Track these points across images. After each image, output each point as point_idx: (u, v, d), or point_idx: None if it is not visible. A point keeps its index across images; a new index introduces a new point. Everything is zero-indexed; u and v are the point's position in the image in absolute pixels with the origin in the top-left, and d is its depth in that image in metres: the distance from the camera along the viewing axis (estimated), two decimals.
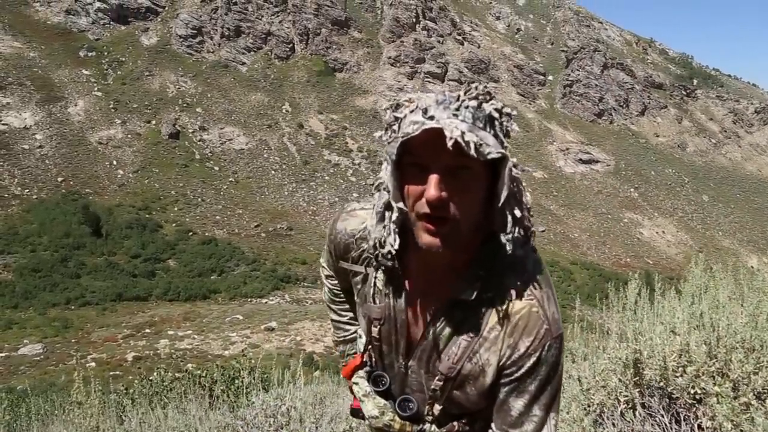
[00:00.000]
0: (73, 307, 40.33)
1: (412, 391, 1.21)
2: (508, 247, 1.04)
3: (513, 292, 1.09)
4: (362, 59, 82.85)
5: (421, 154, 1.00)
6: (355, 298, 1.31)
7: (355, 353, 1.42)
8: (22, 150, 56.71)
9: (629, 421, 2.40)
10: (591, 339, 3.11)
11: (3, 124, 57.77)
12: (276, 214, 59.61)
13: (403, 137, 1.00)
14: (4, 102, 59.52)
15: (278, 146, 68.68)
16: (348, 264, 1.29)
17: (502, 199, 1.02)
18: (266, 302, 43.93)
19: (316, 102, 75.95)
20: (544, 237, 64.38)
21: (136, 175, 59.25)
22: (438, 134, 0.96)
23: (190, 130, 66.58)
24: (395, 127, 1.05)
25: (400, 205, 1.05)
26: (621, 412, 2.45)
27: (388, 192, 1.06)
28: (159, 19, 76.71)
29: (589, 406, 2.56)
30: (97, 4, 73.25)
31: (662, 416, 2.32)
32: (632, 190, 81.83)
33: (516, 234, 1.05)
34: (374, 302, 1.21)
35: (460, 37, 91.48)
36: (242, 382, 4.32)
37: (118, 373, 24.28)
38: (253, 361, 4.81)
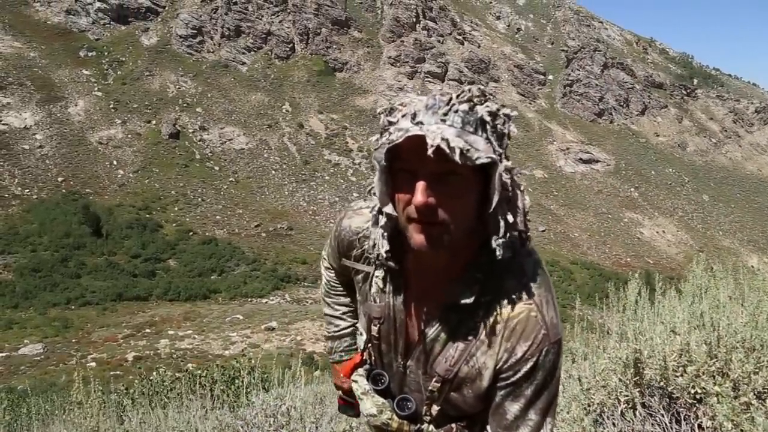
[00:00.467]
0: (73, 307, 40.34)
1: (411, 390, 1.21)
2: (498, 252, 1.04)
3: (511, 296, 1.08)
4: (362, 59, 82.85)
5: (408, 160, 1.01)
6: (357, 296, 1.32)
7: (349, 350, 1.44)
8: (22, 150, 56.73)
9: (629, 421, 2.40)
10: (591, 339, 3.11)
11: (3, 124, 57.79)
12: (276, 213, 59.63)
13: (388, 144, 1.00)
14: (5, 102, 59.54)
15: (278, 146, 68.69)
16: (350, 262, 1.30)
17: (493, 204, 1.01)
18: (266, 302, 43.94)
19: (316, 102, 75.96)
20: (544, 237, 64.41)
21: (136, 175, 59.26)
22: (422, 141, 0.96)
23: (191, 130, 66.59)
24: (390, 130, 1.04)
25: (389, 209, 1.06)
26: (621, 411, 2.45)
27: (377, 197, 1.08)
28: (159, 19, 76.71)
29: (589, 406, 2.56)
30: (98, 4, 73.26)
31: (662, 416, 2.32)
32: (632, 189, 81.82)
33: (509, 238, 1.04)
34: (375, 301, 1.22)
35: (460, 37, 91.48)
36: (242, 381, 4.32)
37: (118, 373, 24.29)
38: (253, 361, 4.82)
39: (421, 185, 0.99)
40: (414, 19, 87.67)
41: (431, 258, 1.07)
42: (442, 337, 1.12)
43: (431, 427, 1.19)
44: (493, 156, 0.99)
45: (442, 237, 1.02)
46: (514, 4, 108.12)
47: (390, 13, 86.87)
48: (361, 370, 1.27)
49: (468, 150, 0.96)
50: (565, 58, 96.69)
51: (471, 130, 0.99)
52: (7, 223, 48.91)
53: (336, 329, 1.50)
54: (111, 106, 64.88)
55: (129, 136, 63.06)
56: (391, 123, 1.05)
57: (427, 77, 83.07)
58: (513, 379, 1.08)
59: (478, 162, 0.97)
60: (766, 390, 2.18)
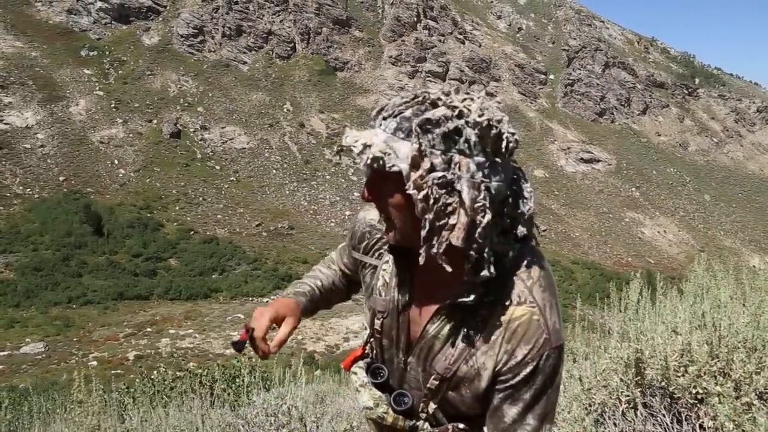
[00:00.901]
0: (74, 306, 40.40)
1: (410, 387, 1.20)
2: (420, 260, 1.05)
3: (515, 298, 1.07)
4: (363, 58, 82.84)
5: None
6: (363, 291, 1.35)
7: (297, 294, 1.42)
8: (24, 149, 56.80)
9: (630, 421, 2.40)
10: (592, 338, 3.11)
11: (5, 124, 57.86)
12: (277, 213, 59.65)
13: (338, 148, 1.09)
14: (6, 101, 59.61)
15: (279, 145, 68.72)
16: (360, 255, 1.32)
17: (417, 211, 1.02)
18: (267, 301, 43.67)
19: (317, 101, 75.97)
20: (545, 236, 64.35)
21: (137, 174, 59.31)
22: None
23: (192, 130, 66.64)
24: None
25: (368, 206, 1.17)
26: (622, 411, 2.45)
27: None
28: (160, 19, 76.75)
29: (590, 406, 2.56)
30: (99, 4, 73.31)
31: (664, 416, 2.32)
32: (634, 189, 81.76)
33: (435, 249, 1.03)
34: (380, 294, 1.23)
35: (461, 36, 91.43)
36: (243, 381, 4.33)
37: (119, 372, 24.32)
38: (253, 360, 4.82)
39: (366, 182, 1.09)
40: (415, 19, 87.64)
41: (429, 257, 1.07)
42: (443, 335, 1.12)
43: (426, 424, 1.19)
44: (401, 166, 1.00)
45: (391, 232, 1.10)
46: (515, 4, 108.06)
47: (391, 13, 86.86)
48: (361, 363, 1.27)
49: (383, 157, 1.00)
50: (566, 57, 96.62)
51: (402, 136, 1.01)
52: (8, 222, 48.98)
53: (304, 282, 1.49)
54: (112, 105, 64.94)
55: (130, 135, 63.12)
56: None
57: (428, 77, 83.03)
58: (512, 381, 1.07)
59: (390, 169, 1.00)
60: (767, 390, 2.18)
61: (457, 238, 1.01)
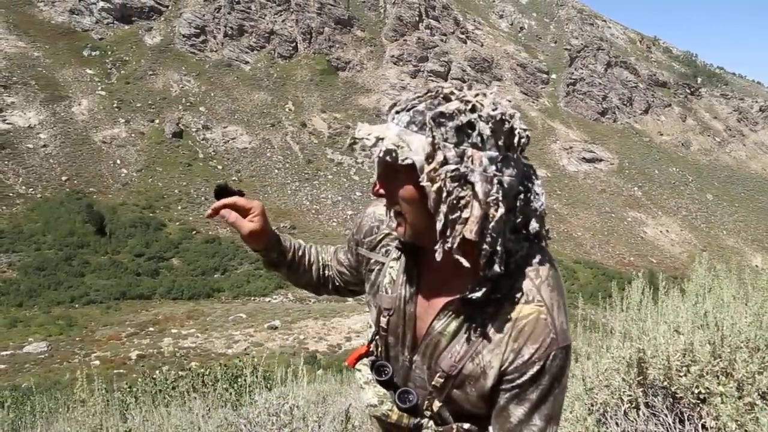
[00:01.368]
0: (77, 306, 40.48)
1: (415, 386, 1.20)
2: (437, 256, 1.05)
3: (523, 296, 1.07)
4: (365, 58, 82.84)
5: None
6: (366, 288, 1.33)
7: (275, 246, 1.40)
8: (26, 149, 56.91)
9: (633, 421, 2.39)
10: (594, 338, 3.10)
11: (7, 124, 57.97)
12: (279, 213, 59.67)
13: (351, 140, 1.08)
14: (9, 101, 59.72)
15: (281, 145, 68.75)
16: (366, 251, 1.31)
17: (430, 205, 1.02)
18: (269, 301, 44.02)
19: (319, 101, 75.99)
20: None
21: (139, 174, 59.40)
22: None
23: (194, 129, 66.70)
24: None
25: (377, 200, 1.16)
26: (624, 411, 2.44)
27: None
28: (162, 19, 76.82)
29: (592, 406, 2.56)
30: (101, 4, 73.40)
31: (666, 416, 2.31)
32: (636, 188, 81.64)
33: (449, 243, 1.03)
34: (386, 292, 1.22)
35: (463, 36, 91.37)
36: (245, 380, 4.33)
37: (121, 371, 24.36)
38: (255, 360, 4.82)
39: (377, 176, 1.08)
40: (417, 18, 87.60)
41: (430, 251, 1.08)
42: (449, 332, 1.12)
43: (431, 422, 1.18)
44: (414, 158, 1.00)
45: (401, 226, 1.09)
46: (517, 3, 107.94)
47: (393, 12, 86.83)
48: (365, 360, 1.26)
49: (396, 150, 1.00)
50: (569, 56, 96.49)
51: (415, 129, 1.01)
52: (11, 221, 49.09)
53: (304, 248, 1.48)
54: (114, 105, 65.03)
55: (132, 135, 63.20)
56: None
57: (430, 76, 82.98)
58: (518, 381, 1.06)
59: (403, 162, 1.00)
60: None
61: (470, 231, 1.01)
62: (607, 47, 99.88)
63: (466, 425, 1.17)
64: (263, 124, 70.35)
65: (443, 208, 1.01)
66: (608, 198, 78.21)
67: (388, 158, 1.02)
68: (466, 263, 1.03)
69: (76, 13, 72.52)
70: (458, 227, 1.02)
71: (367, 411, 1.25)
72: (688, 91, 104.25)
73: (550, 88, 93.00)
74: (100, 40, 72.00)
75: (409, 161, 1.00)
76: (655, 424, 2.34)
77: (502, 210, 1.02)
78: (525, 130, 1.05)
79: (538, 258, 1.09)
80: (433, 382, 1.14)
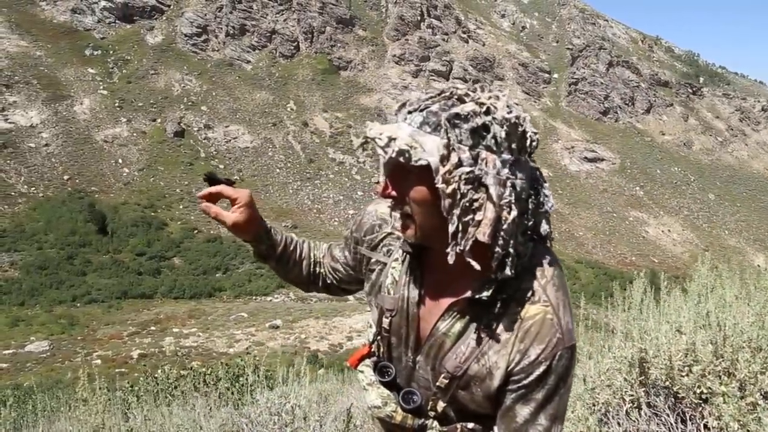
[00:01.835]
0: (79, 305, 40.53)
1: (419, 386, 1.19)
2: (449, 259, 1.03)
3: (529, 296, 1.06)
4: (367, 57, 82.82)
5: None
6: (365, 288, 1.32)
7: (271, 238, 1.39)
8: (28, 148, 56.99)
9: (634, 421, 2.39)
10: (596, 338, 3.10)
11: (9, 123, 58.06)
12: (281, 212, 59.70)
13: (363, 140, 1.06)
14: (11, 100, 59.81)
15: (283, 144, 68.78)
16: (367, 251, 1.29)
17: (444, 208, 1.01)
18: (271, 300, 44.03)
19: (320, 100, 76.00)
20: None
21: (141, 173, 59.46)
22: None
23: (195, 129, 66.76)
24: None
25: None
26: (626, 411, 2.44)
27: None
28: (164, 18, 76.88)
29: (594, 405, 2.56)
30: (103, 3, 73.47)
31: (668, 416, 2.31)
32: (638, 188, 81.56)
33: (461, 245, 1.02)
34: (389, 293, 1.21)
35: (464, 35, 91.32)
36: (247, 379, 4.33)
37: (123, 370, 24.38)
38: (257, 359, 4.82)
39: (384, 178, 1.06)
40: (418, 18, 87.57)
41: (442, 252, 1.06)
42: (454, 333, 1.11)
43: (435, 422, 1.17)
44: (429, 159, 0.99)
45: (411, 228, 1.07)
46: (519, 2, 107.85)
47: (394, 12, 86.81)
48: (368, 361, 1.25)
49: (409, 150, 0.98)
50: (570, 56, 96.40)
51: (429, 130, 1.00)
52: (13, 221, 49.16)
53: (305, 245, 1.47)
54: (116, 104, 65.10)
55: (134, 134, 63.27)
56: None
57: (431, 75, 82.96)
58: (525, 381, 1.06)
59: (415, 163, 0.99)
60: None
61: (483, 234, 1.01)
62: (608, 47, 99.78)
63: (471, 425, 1.16)
64: (265, 123, 70.38)
65: (456, 210, 1.01)
66: (610, 198, 78.14)
67: (401, 159, 0.99)
68: (477, 266, 1.02)
69: (78, 12, 72.61)
70: (471, 230, 1.02)
71: (371, 412, 1.24)
72: (690, 90, 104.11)
73: (551, 88, 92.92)
74: (102, 39, 72.07)
75: (423, 162, 0.98)
76: (657, 424, 2.33)
77: (515, 213, 1.01)
78: (535, 133, 1.06)
79: (542, 258, 1.09)
80: (437, 383, 1.14)
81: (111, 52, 70.85)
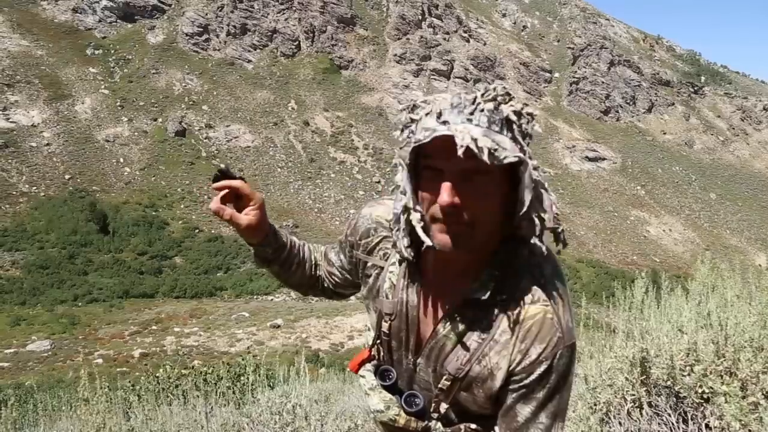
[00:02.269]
0: (80, 304, 40.58)
1: (420, 388, 1.19)
2: (543, 249, 1.06)
3: (528, 296, 1.07)
4: (368, 57, 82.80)
5: (435, 159, 1.00)
6: (362, 292, 1.31)
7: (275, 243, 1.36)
8: (30, 147, 57.05)
9: (636, 420, 2.39)
10: (597, 337, 3.09)
11: (11, 122, 58.13)
12: (282, 211, 59.71)
13: (415, 143, 1.00)
14: (12, 100, 59.87)
15: (284, 144, 68.79)
16: (363, 255, 1.27)
17: (526, 204, 1.01)
18: (272, 299, 44.06)
19: (321, 99, 75.99)
20: (550, 235, 64.19)
21: (142, 172, 59.50)
22: (450, 140, 0.96)
23: (197, 128, 66.79)
24: (412, 128, 1.04)
25: (417, 208, 1.05)
26: (628, 410, 2.44)
27: (404, 195, 1.07)
28: (165, 17, 76.91)
29: (595, 405, 2.55)
30: (104, 2, 73.53)
31: (669, 415, 2.31)
32: (639, 187, 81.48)
33: (544, 237, 1.05)
34: (387, 297, 1.19)
35: (466, 35, 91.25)
36: (248, 379, 4.33)
37: (125, 369, 24.41)
38: (258, 358, 4.82)
39: (447, 185, 0.98)
40: (420, 17, 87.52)
41: (452, 255, 1.05)
42: (455, 335, 1.11)
43: (439, 424, 1.17)
44: (521, 155, 0.98)
45: (466, 238, 1.02)
46: (520, 2, 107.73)
47: (395, 11, 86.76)
48: (369, 366, 1.25)
49: (496, 149, 0.95)
50: (572, 55, 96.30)
51: (497, 129, 0.99)
52: (15, 220, 49.23)
53: (297, 248, 1.42)
54: (117, 103, 65.15)
55: (135, 133, 63.31)
56: (413, 120, 1.04)
57: (432, 75, 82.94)
58: (526, 381, 1.07)
59: (505, 161, 0.96)
60: None
61: (551, 220, 1.05)
62: (610, 46, 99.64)
63: (473, 425, 1.16)
64: (266, 122, 70.39)
65: (537, 205, 1.03)
66: (611, 197, 78.08)
67: (491, 160, 0.95)
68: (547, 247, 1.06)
69: (79, 11, 72.65)
70: (551, 218, 1.05)
71: (374, 417, 1.24)
72: (692, 89, 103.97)
73: (553, 87, 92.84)
74: (103, 38, 72.13)
75: (512, 160, 0.97)
76: (659, 423, 2.33)
77: (553, 195, 1.06)
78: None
79: (542, 257, 1.10)
80: (439, 385, 1.14)
81: (112, 51, 70.90)
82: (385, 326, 1.20)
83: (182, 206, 56.89)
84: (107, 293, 42.36)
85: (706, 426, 2.24)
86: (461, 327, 1.10)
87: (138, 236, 50.89)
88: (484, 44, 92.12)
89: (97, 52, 69.86)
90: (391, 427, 1.22)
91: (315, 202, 63.20)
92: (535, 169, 1.02)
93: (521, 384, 1.07)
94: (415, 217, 1.06)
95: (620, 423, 2.42)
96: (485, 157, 0.94)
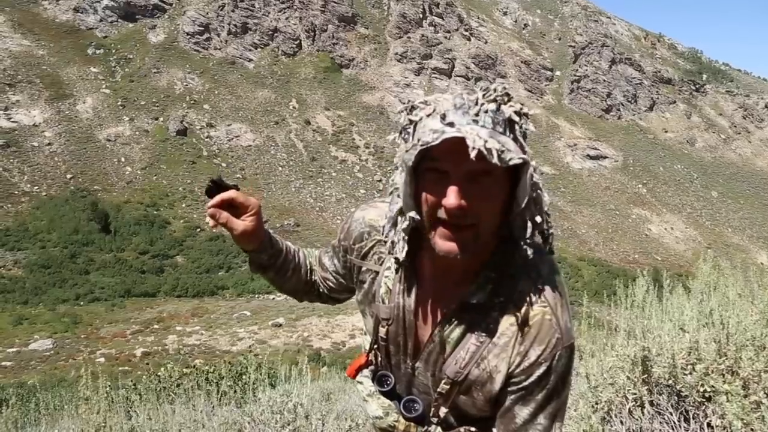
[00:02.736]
0: (82, 303, 40.65)
1: (419, 392, 1.18)
2: (529, 252, 1.03)
3: (526, 298, 1.05)
4: (369, 55, 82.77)
5: (440, 161, 0.98)
6: (357, 297, 1.29)
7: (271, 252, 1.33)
8: (31, 147, 57.13)
9: (637, 419, 2.39)
10: (599, 336, 3.09)
11: (13, 122, 58.20)
12: (283, 210, 59.76)
13: (422, 146, 0.96)
14: (14, 100, 59.95)
15: (285, 143, 68.81)
16: (357, 260, 1.24)
17: (522, 205, 1.01)
18: (274, 298, 44.07)
19: (322, 98, 76.00)
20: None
21: (144, 171, 59.56)
22: (459, 142, 0.93)
23: (198, 127, 66.83)
24: (410, 130, 1.02)
25: (412, 214, 1.03)
26: (629, 409, 2.43)
27: (401, 198, 1.04)
28: (166, 17, 76.95)
29: (596, 404, 2.55)
30: (105, 2, 73.59)
31: (671, 414, 2.30)
32: (640, 186, 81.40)
33: (535, 239, 1.04)
34: (383, 302, 1.18)
35: (467, 33, 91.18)
36: (249, 378, 4.33)
37: (126, 368, 24.45)
38: (260, 357, 4.83)
39: (454, 188, 0.96)
40: (420, 16, 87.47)
41: (453, 260, 1.02)
42: (453, 339, 1.10)
43: (439, 429, 1.16)
44: (525, 156, 0.97)
45: (471, 241, 1.00)
46: (522, 0, 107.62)
47: (396, 10, 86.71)
48: (366, 371, 1.23)
49: (503, 151, 0.94)
50: (573, 53, 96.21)
51: (501, 130, 0.98)
52: (16, 219, 49.31)
53: (290, 256, 1.38)
54: (119, 103, 65.21)
55: (137, 133, 63.37)
56: (412, 122, 1.02)
57: (433, 73, 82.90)
58: (525, 383, 1.06)
59: (511, 162, 0.94)
60: None
61: (547, 222, 1.06)
62: (611, 44, 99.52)
63: (473, 429, 1.15)
64: (267, 121, 70.42)
65: (533, 206, 1.03)
66: (612, 195, 78.01)
67: (497, 162, 0.93)
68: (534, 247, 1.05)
69: (81, 11, 72.72)
70: (545, 219, 1.04)
71: (373, 423, 1.23)
72: (693, 87, 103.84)
73: (554, 85, 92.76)
74: (105, 38, 72.20)
75: (517, 161, 0.95)
76: (660, 422, 2.33)
77: (547, 196, 1.06)
78: None
79: (538, 258, 1.08)
80: (438, 389, 1.13)
81: (113, 50, 70.95)
82: (382, 331, 1.19)
83: (183, 205, 56.95)
84: (109, 292, 42.43)
85: (708, 425, 2.24)
86: (459, 331, 1.09)
87: (139, 235, 50.96)
88: (485, 42, 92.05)
89: (98, 51, 69.93)
90: None
91: (316, 200, 63.23)
92: (534, 170, 1.01)
93: (520, 386, 1.06)
94: (405, 222, 1.04)
95: (622, 422, 2.41)
96: (495, 159, 0.92)
